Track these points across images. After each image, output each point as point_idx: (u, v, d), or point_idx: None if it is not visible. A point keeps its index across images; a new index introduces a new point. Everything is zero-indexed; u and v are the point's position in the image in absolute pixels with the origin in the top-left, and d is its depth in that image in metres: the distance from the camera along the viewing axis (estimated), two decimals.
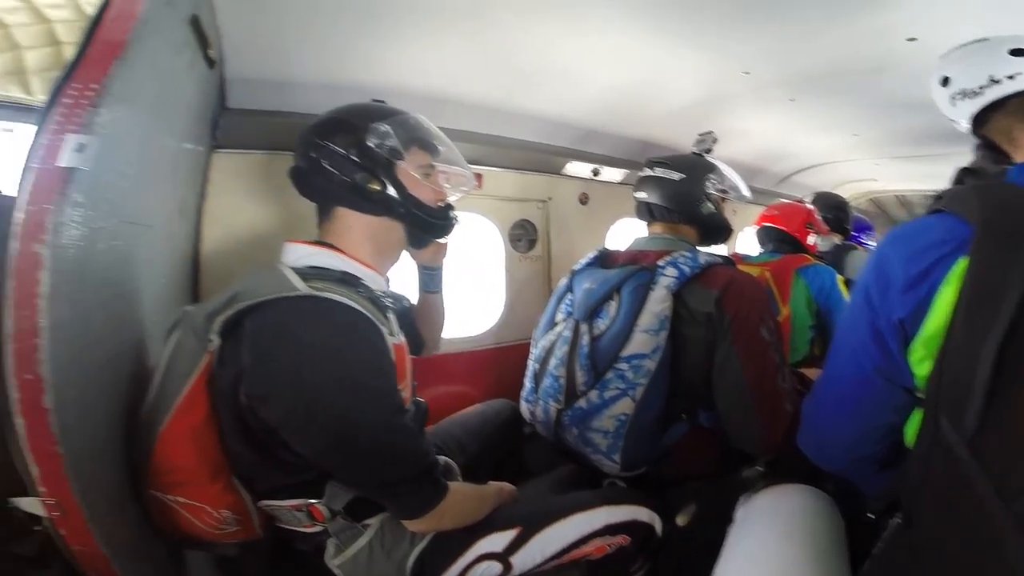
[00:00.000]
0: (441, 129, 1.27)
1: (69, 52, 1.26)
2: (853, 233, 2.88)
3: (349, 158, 0.95)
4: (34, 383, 0.64)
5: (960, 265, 0.58)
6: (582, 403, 1.24)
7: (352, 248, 0.98)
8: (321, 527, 0.91)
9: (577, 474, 1.41)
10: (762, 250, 2.23)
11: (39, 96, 1.31)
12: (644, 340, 1.19)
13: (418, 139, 1.02)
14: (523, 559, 1.01)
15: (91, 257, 0.72)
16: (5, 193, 0.81)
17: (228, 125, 1.28)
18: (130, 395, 0.87)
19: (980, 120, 0.80)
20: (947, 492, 0.55)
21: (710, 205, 1.42)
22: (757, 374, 1.19)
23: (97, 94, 0.63)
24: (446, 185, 1.08)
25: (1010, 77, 0.76)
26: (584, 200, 2.27)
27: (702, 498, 1.44)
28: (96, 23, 0.66)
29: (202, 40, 0.97)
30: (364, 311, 0.87)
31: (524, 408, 1.43)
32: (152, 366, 0.91)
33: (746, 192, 1.55)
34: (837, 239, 2.54)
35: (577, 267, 1.46)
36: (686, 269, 1.22)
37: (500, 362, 2.01)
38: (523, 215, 2.12)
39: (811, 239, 2.15)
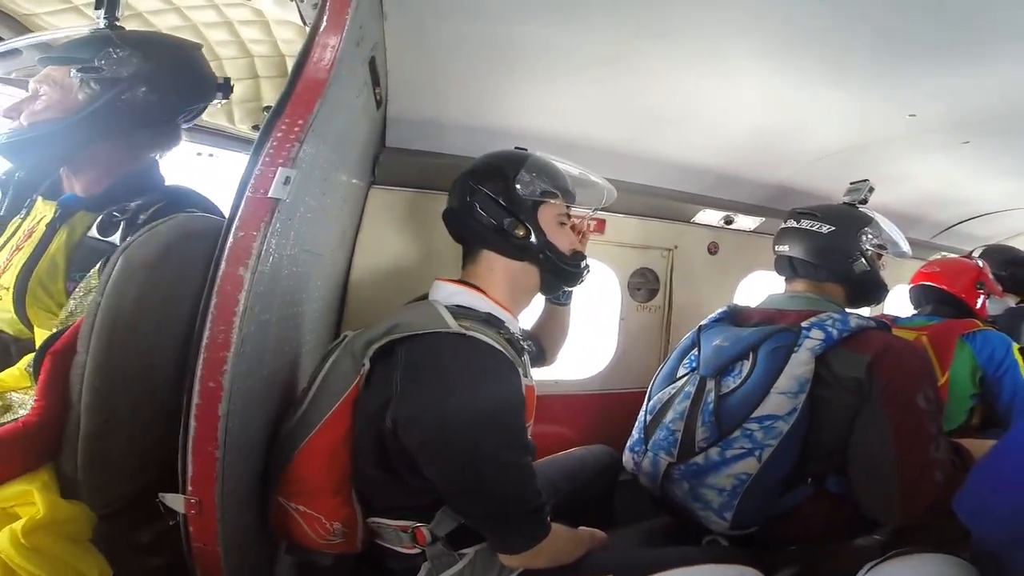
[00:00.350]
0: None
1: (265, 86, 1.45)
2: None
3: (499, 203, 1.02)
4: (215, 391, 0.70)
5: None
6: (699, 459, 1.18)
7: (492, 289, 1.03)
8: (420, 550, 0.94)
9: (672, 527, 1.35)
10: (916, 311, 1.96)
11: (240, 125, 1.50)
12: (780, 402, 1.12)
13: (560, 186, 1.07)
14: None
15: (277, 281, 0.79)
16: (216, 216, 0.92)
17: (385, 163, 1.39)
18: (281, 406, 0.94)
19: None
20: None
21: (864, 262, 1.31)
22: (908, 443, 1.09)
23: (302, 130, 0.70)
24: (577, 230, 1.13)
25: None
26: (713, 250, 2.16)
27: (806, 563, 1.32)
28: (303, 61, 0.74)
29: (375, 80, 1.07)
30: (505, 352, 0.91)
31: (628, 457, 1.38)
32: (300, 381, 0.99)
33: (906, 247, 1.40)
34: (1012, 301, 2.16)
35: (705, 323, 1.40)
36: (834, 332, 1.14)
37: (604, 408, 1.94)
38: (645, 263, 2.06)
39: (980, 301, 1.86)
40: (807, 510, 1.19)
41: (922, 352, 1.21)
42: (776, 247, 1.39)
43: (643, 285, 2.08)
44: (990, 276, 1.91)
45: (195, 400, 0.71)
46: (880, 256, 1.36)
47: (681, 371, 1.35)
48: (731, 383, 1.20)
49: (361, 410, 0.90)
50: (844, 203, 1.45)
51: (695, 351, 1.33)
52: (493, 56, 1.23)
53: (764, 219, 2.16)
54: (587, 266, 1.13)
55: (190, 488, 0.73)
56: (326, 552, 0.95)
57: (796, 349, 1.14)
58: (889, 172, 1.97)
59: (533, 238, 1.03)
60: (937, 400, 1.13)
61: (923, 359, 1.19)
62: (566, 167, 1.11)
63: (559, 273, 1.08)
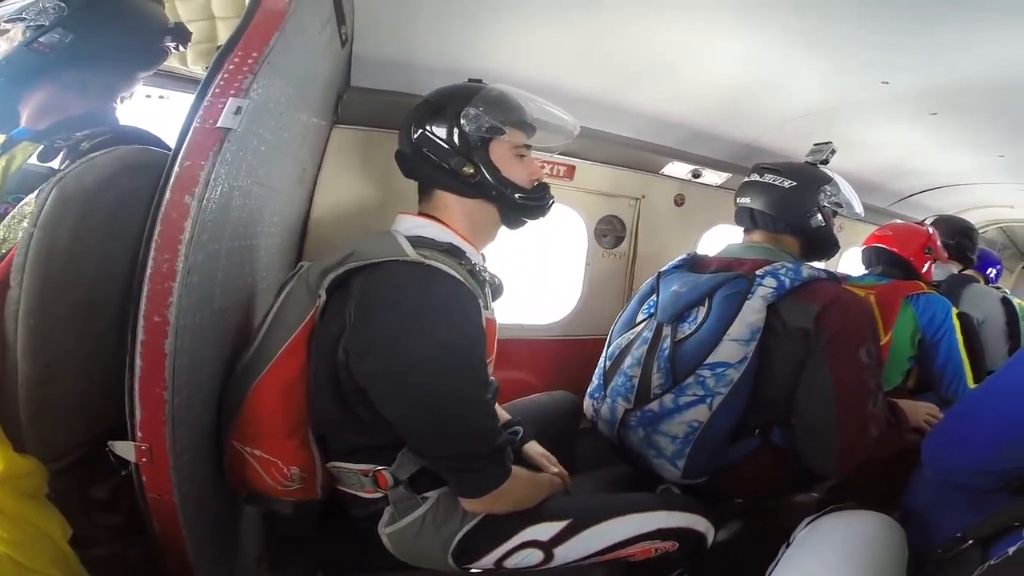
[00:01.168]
0: None
1: (221, 26, 1.38)
2: (986, 268, 2.59)
3: (444, 143, 0.98)
4: (160, 326, 0.68)
5: None
6: (654, 406, 1.22)
7: (452, 222, 1.01)
8: (382, 494, 0.93)
9: (630, 476, 1.40)
10: (867, 271, 2.06)
11: (192, 67, 1.44)
12: (732, 349, 1.16)
13: (513, 119, 1.01)
14: (566, 551, 1.00)
15: (226, 212, 0.77)
16: (161, 149, 0.90)
17: (349, 102, 1.34)
18: (233, 346, 0.92)
19: None
20: None
21: (820, 218, 1.35)
22: (849, 396, 1.14)
23: (256, 62, 0.68)
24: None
25: None
26: (680, 202, 2.19)
27: (748, 516, 1.43)
28: None
29: (340, 18, 1.02)
30: (465, 282, 0.89)
31: (588, 404, 1.42)
32: (255, 319, 0.97)
33: (859, 209, 1.47)
34: (955, 268, 2.30)
35: (664, 269, 1.43)
36: (786, 281, 1.18)
37: (567, 354, 2.00)
38: (613, 211, 2.08)
39: (926, 265, 1.96)
40: (753, 462, 1.25)
41: (868, 307, 1.26)
42: (738, 199, 1.42)
43: (609, 232, 2.11)
44: (938, 243, 2.00)
45: (140, 336, 0.67)
46: (835, 214, 1.41)
47: (640, 316, 1.38)
48: (687, 329, 1.23)
49: (316, 343, 0.88)
50: (806, 162, 1.49)
51: (654, 297, 1.37)
52: None
53: (731, 175, 2.19)
54: (550, 197, 1.08)
55: (139, 434, 0.69)
56: (285, 499, 0.93)
57: (749, 296, 1.17)
58: (855, 138, 2.00)
59: (486, 175, 0.99)
60: (878, 356, 1.19)
61: (869, 314, 1.24)
62: (523, 99, 1.04)
63: (518, 208, 1.04)
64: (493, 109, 0.98)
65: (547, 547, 0.99)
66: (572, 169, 1.90)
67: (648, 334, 1.29)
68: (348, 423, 0.90)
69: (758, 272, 1.21)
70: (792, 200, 1.34)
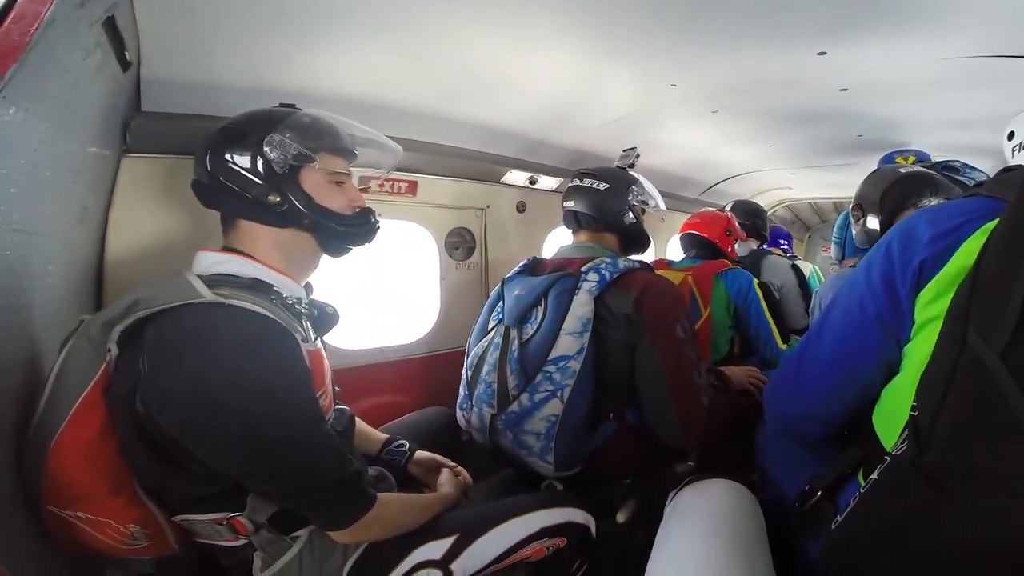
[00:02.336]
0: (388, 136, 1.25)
1: None
2: (778, 241, 3.10)
3: (247, 171, 0.92)
4: None
5: (991, 223, 0.64)
6: (515, 407, 1.28)
7: (263, 256, 0.95)
8: (245, 540, 0.88)
9: (514, 478, 1.44)
10: (685, 256, 2.36)
11: None
12: (569, 342, 1.24)
13: (325, 145, 0.98)
14: (463, 565, 1.00)
15: None
16: None
17: (141, 128, 1.21)
18: (19, 410, 0.81)
19: None
20: (973, 407, 0.58)
21: (631, 215, 1.50)
22: (674, 370, 1.26)
23: None
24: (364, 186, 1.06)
25: None
26: (521, 208, 2.32)
27: (636, 495, 1.53)
28: None
29: (117, 41, 0.92)
30: (275, 317, 0.84)
31: (459, 415, 1.46)
32: (37, 386, 0.85)
33: (661, 205, 1.64)
34: (754, 244, 2.72)
35: (508, 275, 1.51)
36: (606, 274, 1.29)
37: (435, 370, 2.01)
38: (460, 223, 2.14)
39: (731, 245, 2.30)
40: (618, 445, 1.34)
41: (675, 288, 1.41)
42: (564, 203, 1.55)
43: (460, 244, 2.17)
44: (736, 225, 2.36)
45: None
46: (644, 211, 1.57)
47: (491, 324, 1.44)
48: (529, 330, 1.31)
49: (113, 398, 0.80)
50: (617, 166, 1.65)
51: (501, 303, 1.44)
52: (276, 15, 1.12)
53: (562, 179, 2.36)
54: (374, 222, 1.05)
55: None
56: (140, 557, 0.86)
57: (577, 291, 1.27)
58: (658, 138, 2.28)
59: (296, 204, 0.94)
60: (692, 331, 1.32)
61: (677, 293, 1.37)
62: (338, 123, 1.01)
63: (337, 236, 1.00)
64: (302, 135, 0.94)
65: (443, 564, 0.98)
66: (414, 184, 1.92)
67: (499, 339, 1.35)
68: (176, 474, 0.84)
69: (583, 269, 1.31)
70: (607, 201, 1.48)
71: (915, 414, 0.65)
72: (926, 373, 0.66)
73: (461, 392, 1.46)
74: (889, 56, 1.54)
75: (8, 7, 0.63)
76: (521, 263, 1.55)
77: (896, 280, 0.74)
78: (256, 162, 0.92)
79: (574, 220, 1.52)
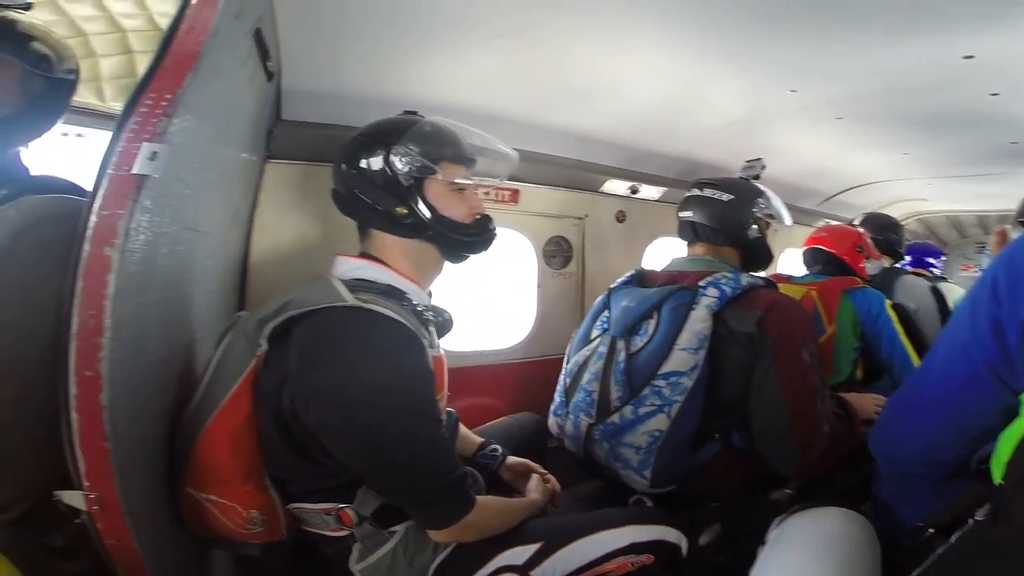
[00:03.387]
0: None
1: (141, 61, 1.35)
2: (925, 260, 2.78)
3: (376, 184, 0.96)
4: (93, 380, 0.66)
5: None
6: (615, 418, 1.24)
7: (394, 263, 1.00)
8: (348, 531, 0.93)
9: (601, 490, 1.41)
10: (807, 272, 2.17)
11: (111, 103, 1.39)
12: (683, 358, 1.19)
13: (447, 155, 0.99)
14: (543, 573, 1.00)
15: (153, 261, 0.75)
16: (76, 197, 0.87)
17: (282, 136, 1.33)
18: (176, 395, 0.90)
19: None
20: None
21: (756, 229, 1.42)
22: (796, 395, 1.18)
23: (170, 104, 0.67)
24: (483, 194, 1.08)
25: None
26: (621, 218, 2.26)
27: (726, 519, 1.40)
28: (171, 35, 0.69)
29: (263, 52, 1.01)
30: (407, 323, 0.89)
31: (552, 422, 1.44)
32: (198, 368, 0.94)
33: (788, 220, 1.54)
34: (887, 262, 2.45)
35: (615, 285, 1.47)
36: (727, 290, 1.23)
37: (528, 376, 2.01)
38: (559, 232, 2.12)
39: (861, 263, 2.08)
40: (718, 466, 1.27)
41: (803, 308, 1.31)
42: (680, 213, 1.48)
43: (558, 253, 2.15)
44: (868, 240, 2.13)
45: (72, 391, 0.66)
46: (768, 224, 1.48)
47: (594, 333, 1.40)
48: (639, 342, 1.26)
49: (260, 392, 0.88)
50: (740, 177, 1.56)
51: (606, 313, 1.40)
52: (394, 26, 1.19)
53: (667, 189, 2.28)
54: (492, 230, 1.06)
55: (86, 483, 0.68)
56: (251, 542, 0.92)
57: (694, 306, 1.21)
58: (777, 145, 2.13)
59: (421, 216, 0.97)
60: (819, 355, 1.24)
61: (805, 314, 1.28)
62: (459, 131, 1.03)
63: (458, 245, 1.03)
64: (424, 146, 0.96)
65: (523, 571, 0.99)
66: (516, 193, 1.94)
67: (603, 349, 1.32)
68: (303, 466, 0.90)
69: (700, 283, 1.25)
70: (730, 213, 1.40)
71: (1003, 482, 0.58)
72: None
73: (557, 399, 1.43)
74: None
75: (179, 18, 0.70)
76: (628, 274, 1.50)
77: (1006, 328, 0.64)
78: (383, 175, 0.96)
79: (691, 231, 1.45)
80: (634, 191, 2.23)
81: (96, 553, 0.75)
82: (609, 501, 1.30)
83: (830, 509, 0.93)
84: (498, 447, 1.28)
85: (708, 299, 1.21)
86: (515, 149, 1.79)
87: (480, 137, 1.07)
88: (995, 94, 1.63)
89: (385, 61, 1.31)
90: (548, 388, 1.98)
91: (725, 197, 1.41)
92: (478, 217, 1.04)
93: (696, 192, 1.46)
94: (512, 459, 1.28)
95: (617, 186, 2.18)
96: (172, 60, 0.68)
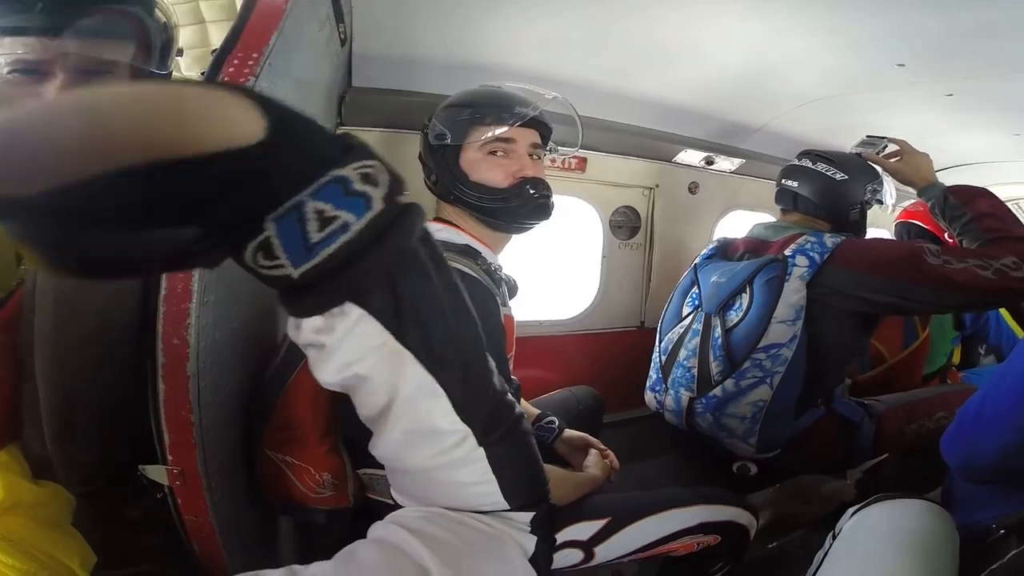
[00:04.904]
0: (558, 113, 1.16)
1: (215, 30, 1.31)
2: None
3: (425, 152, 1.01)
4: (180, 348, 0.63)
5: None
6: (717, 391, 1.25)
7: (465, 226, 0.99)
8: None
9: (699, 455, 1.43)
10: None
11: (187, 73, 1.37)
12: (781, 331, 1.20)
13: (476, 116, 0.95)
14: (607, 550, 0.97)
15: None
16: None
17: (353, 103, 1.27)
18: (258, 356, 0.88)
19: None
20: None
21: (859, 211, 1.38)
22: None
23: (257, 64, 0.61)
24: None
25: None
26: (694, 190, 2.11)
27: (778, 505, 1.48)
28: None
29: (339, 15, 0.95)
30: (482, 280, 0.89)
31: (649, 397, 1.48)
32: (279, 332, 0.92)
33: (893, 204, 1.49)
34: None
35: (699, 260, 1.46)
36: (816, 256, 1.21)
37: (588, 348, 1.94)
38: (627, 202, 2.00)
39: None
40: (820, 433, 1.29)
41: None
42: (783, 180, 1.43)
43: (625, 223, 2.04)
44: None
45: (160, 360, 0.63)
46: (871, 206, 1.41)
47: (686, 310, 1.41)
48: (734, 317, 1.26)
49: None
50: (856, 154, 1.45)
51: (695, 289, 1.39)
52: None
53: (744, 161, 2.11)
54: (535, 194, 0.97)
55: (170, 458, 0.66)
56: (319, 508, 0.90)
57: (787, 278, 1.20)
58: (871, 121, 1.90)
59: (453, 185, 0.96)
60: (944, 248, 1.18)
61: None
62: (487, 93, 0.98)
63: (495, 212, 0.96)
64: (451, 113, 0.96)
65: (587, 546, 0.96)
66: (584, 161, 1.82)
67: (698, 326, 1.33)
68: None
69: (787, 253, 1.23)
70: (841, 191, 1.35)
71: None
72: None
73: (652, 375, 1.46)
74: None
75: None
76: (710, 246, 1.49)
77: None
78: (425, 145, 1.00)
79: (792, 200, 1.41)
80: (709, 162, 2.06)
81: (170, 526, 0.74)
82: (708, 466, 1.33)
83: (912, 501, 0.85)
84: (555, 419, 1.24)
85: (799, 269, 1.20)
86: (587, 117, 1.70)
87: (522, 89, 1.01)
88: None
89: (458, 24, 1.23)
90: (608, 361, 1.97)
91: (838, 176, 1.35)
92: (519, 180, 0.96)
93: (807, 164, 1.40)
94: (570, 432, 1.23)
95: (691, 156, 2.02)
96: (259, 17, 0.63)
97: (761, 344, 1.20)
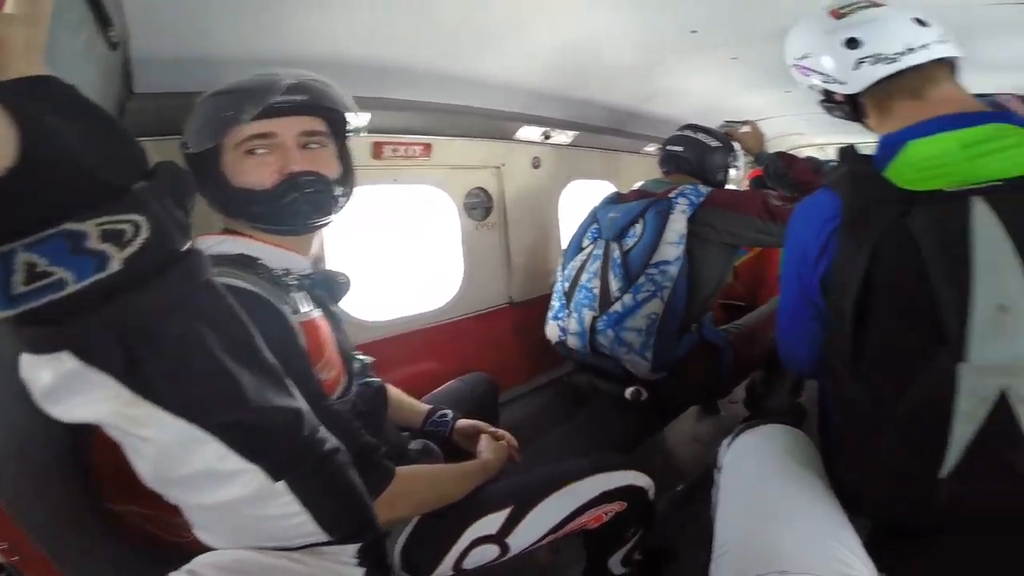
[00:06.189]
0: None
1: None
2: None
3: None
4: None
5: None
6: (617, 307, 1.44)
7: (252, 232, 0.84)
8: None
9: (589, 385, 1.62)
10: None
11: None
12: (669, 250, 1.43)
13: (222, 119, 0.77)
14: (520, 538, 0.94)
15: None
16: None
17: (135, 111, 1.06)
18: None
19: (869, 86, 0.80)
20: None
21: (724, 173, 1.72)
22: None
23: None
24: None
25: (923, 46, 0.75)
26: (536, 164, 2.16)
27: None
28: None
29: (101, 18, 0.77)
30: (255, 289, 0.73)
31: (552, 327, 1.62)
32: None
33: (737, 173, 1.84)
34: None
35: (597, 205, 1.69)
36: (694, 199, 1.49)
37: (469, 333, 1.93)
38: (478, 183, 1.99)
39: None
40: (695, 359, 1.51)
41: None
42: (668, 147, 1.73)
43: (478, 204, 2.03)
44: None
45: None
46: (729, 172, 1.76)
47: (586, 242, 1.60)
48: (630, 242, 1.48)
49: None
50: (723, 131, 1.80)
51: (595, 225, 1.60)
52: None
53: (578, 133, 2.19)
54: (313, 188, 0.81)
55: None
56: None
57: (672, 212, 1.46)
58: (673, 86, 2.08)
59: (220, 194, 0.81)
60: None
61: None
62: (224, 88, 0.80)
63: (272, 216, 0.81)
64: (190, 124, 0.80)
65: (499, 539, 0.92)
66: (428, 147, 1.76)
67: (599, 251, 1.53)
68: None
69: (671, 196, 1.50)
70: (714, 156, 1.69)
71: None
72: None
73: (555, 304, 1.62)
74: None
75: None
76: (606, 196, 1.74)
77: (811, 294, 0.80)
78: (185, 160, 0.82)
79: (675, 162, 1.70)
80: (547, 137, 2.12)
81: None
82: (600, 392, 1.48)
83: (775, 426, 0.93)
84: (447, 412, 1.18)
85: (681, 206, 1.47)
86: (426, 102, 1.63)
87: (257, 80, 0.79)
88: None
89: (257, 16, 1.07)
90: (493, 343, 1.97)
91: (713, 144, 1.69)
92: (286, 177, 0.80)
93: (689, 133, 1.71)
94: (462, 422, 1.17)
95: (531, 132, 2.06)
96: None
97: (653, 260, 1.42)
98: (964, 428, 0.61)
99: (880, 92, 0.79)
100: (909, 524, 0.74)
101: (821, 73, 0.86)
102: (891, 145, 0.73)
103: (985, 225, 0.59)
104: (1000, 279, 0.58)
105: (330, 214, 0.86)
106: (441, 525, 0.90)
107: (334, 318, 0.91)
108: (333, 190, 0.84)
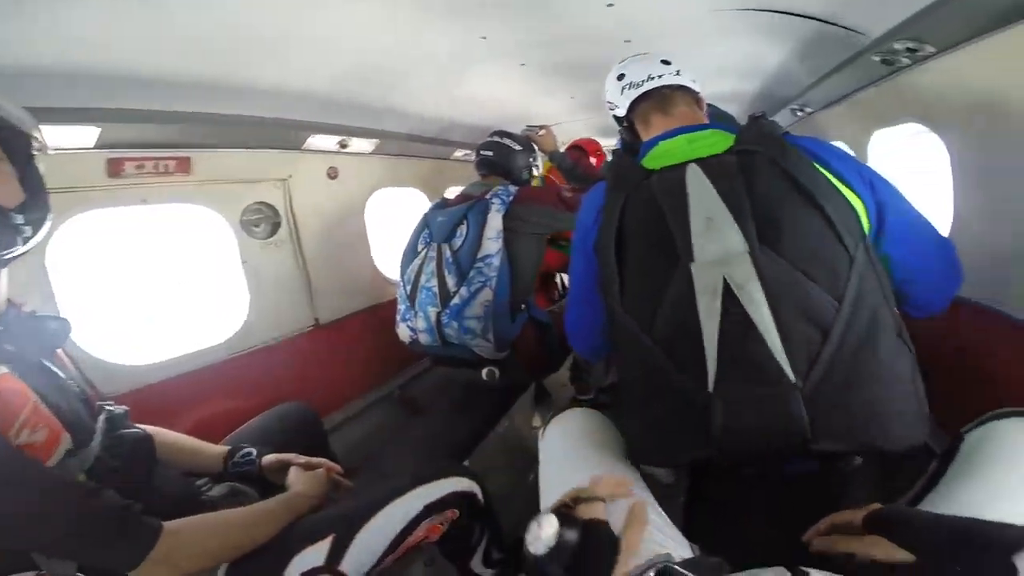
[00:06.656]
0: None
1: None
2: None
3: None
4: None
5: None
6: (456, 300, 1.57)
7: None
8: None
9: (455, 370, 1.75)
10: None
11: None
12: (490, 245, 1.58)
13: None
14: (354, 564, 0.88)
15: None
16: None
17: None
18: None
19: (631, 108, 1.08)
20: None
21: (527, 172, 1.91)
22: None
23: None
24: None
25: (660, 76, 1.07)
26: (333, 175, 1.98)
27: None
28: None
29: None
30: None
31: (402, 328, 1.71)
32: None
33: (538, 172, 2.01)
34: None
35: (427, 212, 1.77)
36: (506, 197, 1.64)
37: (270, 363, 1.71)
38: (258, 198, 1.74)
39: None
40: (528, 336, 1.67)
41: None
42: (482, 152, 1.85)
43: (262, 220, 1.79)
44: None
45: None
46: (532, 171, 1.96)
47: (420, 246, 1.70)
48: (458, 243, 1.61)
49: None
50: (525, 135, 2.00)
51: (427, 231, 1.71)
52: None
53: (379, 140, 2.07)
54: (30, 221, 0.72)
55: None
56: None
57: (489, 211, 1.60)
58: (470, 92, 2.07)
59: None
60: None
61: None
62: None
63: None
64: None
65: (331, 568, 0.86)
66: (186, 161, 1.47)
67: (432, 254, 1.65)
68: None
69: (487, 196, 1.64)
70: (517, 159, 1.85)
71: None
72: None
73: (401, 306, 1.71)
74: (668, 5, 1.51)
75: None
76: (435, 202, 1.84)
77: (591, 263, 0.95)
78: None
79: (488, 165, 1.84)
80: (344, 145, 1.95)
81: None
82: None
83: (577, 410, 1.03)
84: (251, 450, 1.07)
85: (496, 206, 1.61)
86: (185, 112, 1.36)
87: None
88: (628, 40, 1.73)
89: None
90: (303, 369, 1.81)
91: (516, 147, 1.86)
92: (13, 207, 0.70)
93: (497, 139, 1.87)
94: (267, 458, 1.07)
95: (324, 141, 1.87)
96: None
97: (479, 255, 1.57)
98: (709, 325, 0.74)
99: (641, 112, 1.07)
100: (698, 463, 0.86)
101: (610, 103, 1.14)
102: (648, 146, 0.99)
103: (695, 175, 0.84)
104: (705, 202, 0.81)
105: (11, 248, 0.71)
106: (260, 564, 0.83)
107: (46, 371, 0.79)
108: (11, 220, 0.70)
